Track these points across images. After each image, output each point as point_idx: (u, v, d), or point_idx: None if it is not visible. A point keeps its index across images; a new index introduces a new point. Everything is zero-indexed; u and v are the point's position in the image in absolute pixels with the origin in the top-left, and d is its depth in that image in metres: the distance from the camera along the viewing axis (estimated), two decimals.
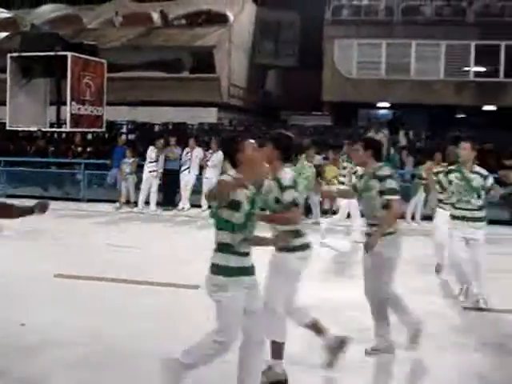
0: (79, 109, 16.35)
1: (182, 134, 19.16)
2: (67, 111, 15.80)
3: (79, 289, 7.34)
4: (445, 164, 8.64)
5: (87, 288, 7.38)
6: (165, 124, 24.77)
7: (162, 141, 15.37)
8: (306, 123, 27.36)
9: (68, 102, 15.74)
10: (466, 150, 6.73)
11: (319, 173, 14.46)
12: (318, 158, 14.91)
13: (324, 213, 14.56)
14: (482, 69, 23.75)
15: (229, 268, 3.96)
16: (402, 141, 21.79)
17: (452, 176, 6.98)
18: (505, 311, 6.94)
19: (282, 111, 31.63)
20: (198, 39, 27.56)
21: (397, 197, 5.17)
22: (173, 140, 15.53)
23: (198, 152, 15.18)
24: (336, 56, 24.05)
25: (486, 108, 24.09)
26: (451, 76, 23.44)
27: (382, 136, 20.15)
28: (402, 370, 5.21)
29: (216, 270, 4.00)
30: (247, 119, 28.43)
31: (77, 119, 16.31)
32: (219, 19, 28.83)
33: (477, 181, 6.74)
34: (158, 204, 15.19)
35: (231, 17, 28.60)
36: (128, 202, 15.42)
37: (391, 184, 5.16)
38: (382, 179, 5.16)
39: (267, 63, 31.44)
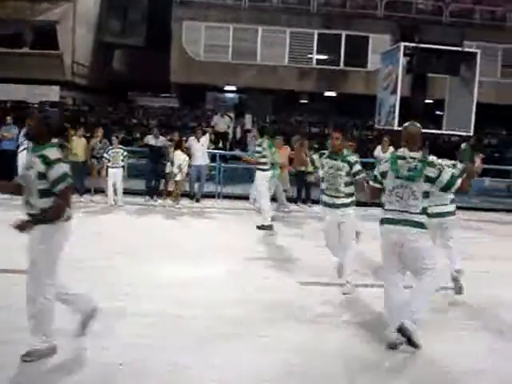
0: None
1: (21, 113, 18.24)
2: None
3: None
4: None
5: None
6: (3, 102, 23.40)
7: None
8: (154, 104, 27.07)
9: None
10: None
11: (163, 154, 14.43)
12: (163, 140, 14.84)
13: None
14: (324, 57, 24.65)
15: None
16: (248, 124, 22.22)
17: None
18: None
19: (129, 91, 31.02)
20: (41, 13, 26.19)
21: None
22: (9, 119, 14.77)
23: None
24: (184, 38, 23.87)
25: (328, 94, 25.09)
26: (295, 62, 24.11)
27: (228, 119, 20.44)
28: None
29: None
30: (92, 99, 27.56)
31: None
32: None
33: None
34: None
35: None
36: None
37: None
38: None
39: (114, 42, 30.53)
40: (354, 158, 7.01)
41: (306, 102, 26.26)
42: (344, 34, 24.14)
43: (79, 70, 27.05)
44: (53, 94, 24.63)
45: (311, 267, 8.19)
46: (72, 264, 7.47)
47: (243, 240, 10.08)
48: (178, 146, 14.26)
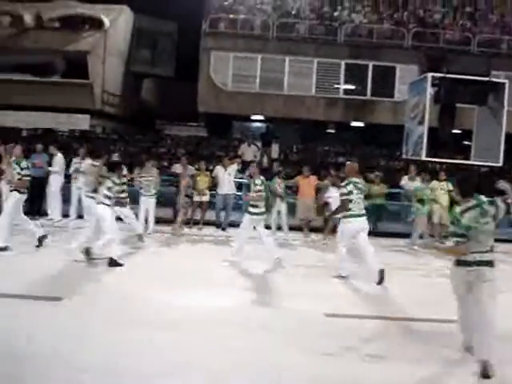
0: None
1: (53, 141, 18.54)
2: None
3: None
4: None
5: None
6: (33, 129, 23.82)
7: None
8: (181, 133, 27.31)
9: None
10: None
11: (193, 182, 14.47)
12: (191, 169, 14.90)
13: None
14: (351, 87, 24.71)
15: None
16: (275, 153, 22.26)
17: None
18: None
19: (158, 121, 31.37)
20: (72, 43, 26.80)
21: None
22: (39, 147, 15.03)
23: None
24: (212, 68, 24.16)
25: (355, 124, 25.09)
26: (322, 92, 24.21)
27: (255, 148, 20.52)
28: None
29: None
30: (121, 127, 27.92)
31: None
32: (94, 24, 28.20)
33: None
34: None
35: (107, 22, 28.06)
36: None
37: None
38: None
39: (143, 71, 31.09)
40: None
41: (332, 131, 26.28)
42: (371, 64, 24.22)
43: (109, 99, 27.53)
44: (83, 122, 25.04)
45: (338, 299, 8.11)
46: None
47: (267, 270, 10.05)
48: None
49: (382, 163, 22.10)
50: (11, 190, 10.49)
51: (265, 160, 21.47)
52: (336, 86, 24.43)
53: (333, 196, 13.20)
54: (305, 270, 10.19)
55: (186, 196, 14.17)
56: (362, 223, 9.54)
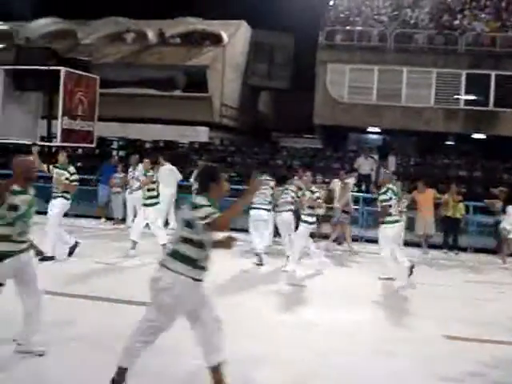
0: (70, 124, 16.32)
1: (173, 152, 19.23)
2: (58, 125, 15.79)
3: (69, 306, 7.29)
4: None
5: (72, 305, 7.35)
6: (155, 141, 24.78)
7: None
8: (297, 145, 27.47)
9: (59, 117, 15.74)
10: None
11: None
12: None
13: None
14: (473, 97, 23.87)
15: None
16: (391, 166, 21.88)
17: None
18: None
19: (274, 133, 31.76)
20: (192, 58, 27.70)
21: None
22: (161, 159, 15.61)
23: None
24: (328, 80, 24.14)
25: (476, 136, 24.22)
26: (441, 103, 23.56)
27: (372, 161, 20.26)
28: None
29: None
30: (238, 139, 28.49)
31: (67, 134, 16.27)
32: (214, 39, 29.01)
33: None
34: None
35: (225, 37, 28.77)
36: (112, 219, 15.52)
37: None
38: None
39: (260, 85, 31.59)
40: None
41: (452, 143, 25.49)
42: (493, 73, 23.31)
43: (227, 111, 28.17)
44: (202, 134, 25.78)
45: (459, 320, 7.84)
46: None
47: (385, 287, 9.87)
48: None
49: (505, 177, 21.15)
50: (56, 197, 10.45)
51: (381, 173, 21.17)
52: (456, 96, 23.71)
53: None
54: (421, 289, 9.92)
55: (345, 212, 14.21)
56: (401, 227, 10.65)
